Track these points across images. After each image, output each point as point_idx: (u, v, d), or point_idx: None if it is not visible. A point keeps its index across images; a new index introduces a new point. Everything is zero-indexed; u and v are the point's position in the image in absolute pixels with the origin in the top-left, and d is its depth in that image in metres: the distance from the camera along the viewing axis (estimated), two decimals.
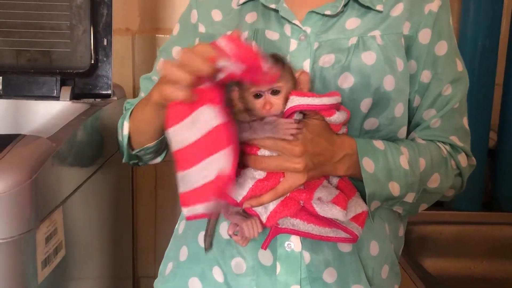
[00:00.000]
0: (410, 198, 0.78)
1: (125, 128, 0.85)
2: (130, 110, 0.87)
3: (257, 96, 0.68)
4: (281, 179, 0.70)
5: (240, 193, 0.70)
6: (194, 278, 0.82)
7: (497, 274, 1.49)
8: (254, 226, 0.73)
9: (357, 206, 0.73)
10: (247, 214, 0.74)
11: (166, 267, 0.88)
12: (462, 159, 0.83)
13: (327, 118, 0.71)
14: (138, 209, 1.67)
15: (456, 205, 1.57)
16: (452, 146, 0.82)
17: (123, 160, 0.90)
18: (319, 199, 0.70)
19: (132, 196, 1.60)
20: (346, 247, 0.78)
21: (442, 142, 0.82)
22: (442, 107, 0.81)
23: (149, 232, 1.70)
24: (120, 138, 0.89)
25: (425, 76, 0.81)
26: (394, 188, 0.75)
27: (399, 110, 0.79)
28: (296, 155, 0.68)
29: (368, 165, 0.74)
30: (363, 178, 0.74)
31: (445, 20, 0.81)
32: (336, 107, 0.71)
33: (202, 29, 0.87)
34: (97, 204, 1.20)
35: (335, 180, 0.75)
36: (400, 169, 0.75)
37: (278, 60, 0.69)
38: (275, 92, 0.69)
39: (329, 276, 0.78)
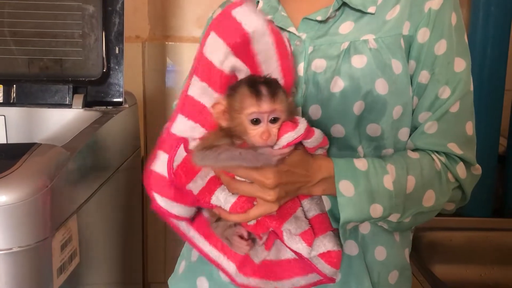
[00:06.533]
0: (394, 218, 0.75)
1: None
2: None
3: (255, 121, 0.65)
4: (254, 203, 0.70)
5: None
6: (202, 277, 0.85)
7: (507, 281, 1.48)
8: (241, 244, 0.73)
9: (328, 244, 0.71)
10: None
11: (180, 265, 0.91)
12: (461, 169, 0.78)
13: (305, 141, 0.69)
14: (148, 215, 1.68)
15: (466, 211, 1.56)
16: (448, 156, 0.78)
17: None
18: (288, 230, 0.70)
19: (142, 202, 1.60)
20: (353, 251, 0.79)
21: (437, 151, 0.78)
22: (438, 110, 0.78)
23: (159, 239, 1.71)
24: None
25: (424, 76, 0.78)
26: (377, 210, 0.73)
27: (397, 112, 0.77)
28: (269, 188, 0.68)
29: (346, 188, 0.72)
30: (338, 202, 0.72)
31: (447, 17, 0.78)
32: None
33: None
34: (109, 211, 1.21)
35: (311, 214, 0.74)
36: (383, 190, 0.73)
37: (271, 83, 0.65)
38: (274, 120, 0.65)
39: None
